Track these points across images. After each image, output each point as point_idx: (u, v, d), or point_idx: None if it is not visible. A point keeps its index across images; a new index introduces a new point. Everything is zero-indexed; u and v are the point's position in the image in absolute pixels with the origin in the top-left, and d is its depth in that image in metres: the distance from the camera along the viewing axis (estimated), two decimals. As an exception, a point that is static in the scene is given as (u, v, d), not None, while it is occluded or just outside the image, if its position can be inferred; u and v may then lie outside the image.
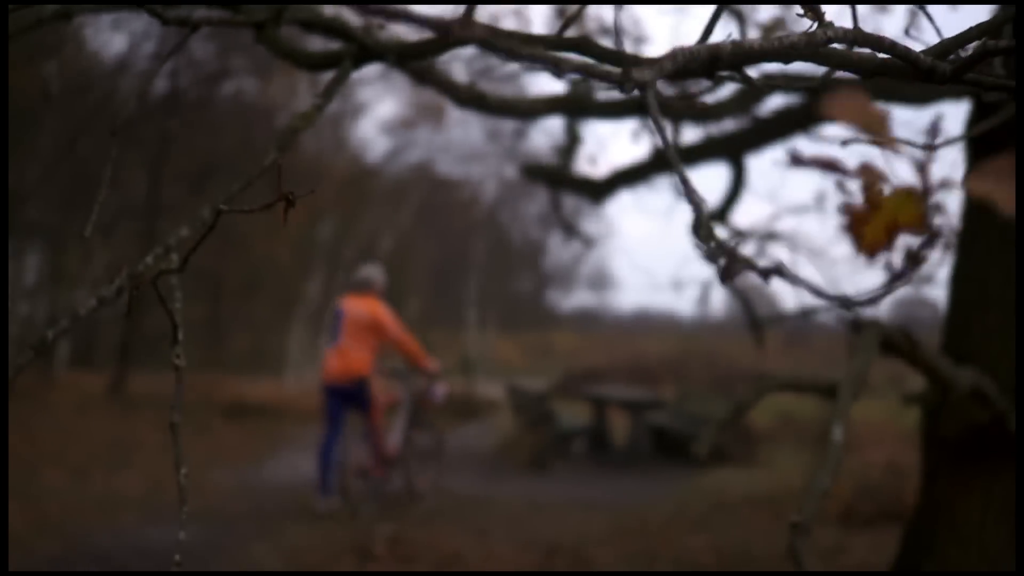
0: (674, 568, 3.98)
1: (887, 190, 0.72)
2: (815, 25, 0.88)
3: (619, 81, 0.74)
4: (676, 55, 0.76)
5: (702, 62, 0.82)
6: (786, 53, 0.85)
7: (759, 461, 6.91)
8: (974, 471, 3.00)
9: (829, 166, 0.70)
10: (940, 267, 4.05)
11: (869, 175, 0.72)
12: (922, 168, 0.71)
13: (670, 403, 8.38)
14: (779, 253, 4.49)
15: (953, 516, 3.04)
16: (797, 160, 0.70)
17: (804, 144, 4.35)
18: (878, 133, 0.72)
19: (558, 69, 0.78)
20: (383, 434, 5.28)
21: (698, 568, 3.98)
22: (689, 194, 0.67)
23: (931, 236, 0.68)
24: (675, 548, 4.30)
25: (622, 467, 7.07)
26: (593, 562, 4.06)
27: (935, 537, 3.07)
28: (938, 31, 1.11)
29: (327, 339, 5.45)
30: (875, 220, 0.68)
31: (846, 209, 0.75)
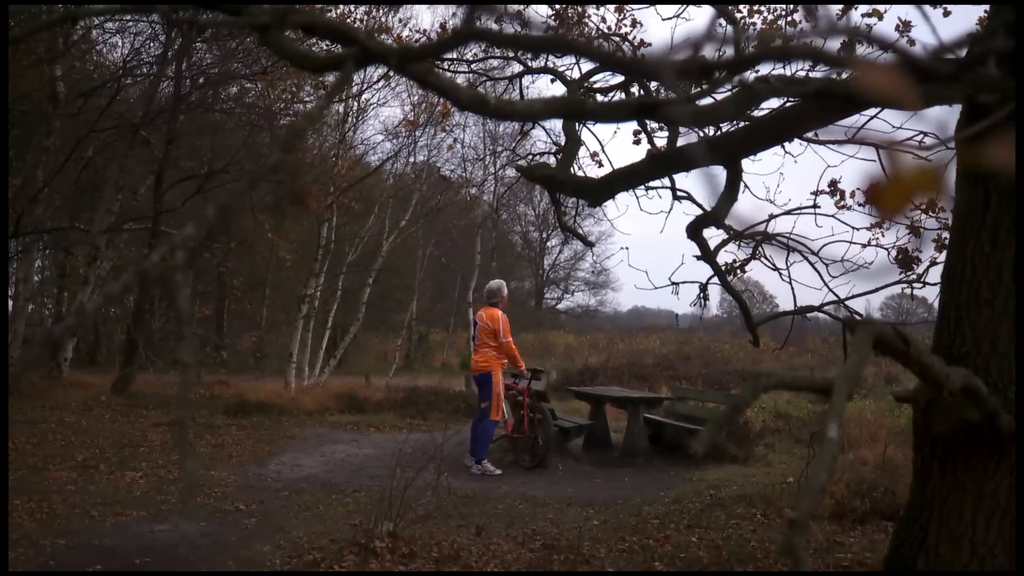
0: (671, 565, 4.02)
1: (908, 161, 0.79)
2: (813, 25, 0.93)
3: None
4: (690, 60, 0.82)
5: (705, 67, 0.87)
6: (785, 55, 0.90)
7: (755, 459, 6.95)
8: (966, 469, 3.04)
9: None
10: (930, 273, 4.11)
11: (893, 146, 0.80)
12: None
13: (667, 401, 8.43)
14: (774, 253, 4.53)
15: (945, 513, 3.07)
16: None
17: (797, 148, 4.40)
18: (907, 101, 0.78)
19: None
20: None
21: (695, 565, 4.01)
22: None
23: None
24: (672, 545, 4.33)
25: (619, 465, 7.11)
26: (591, 559, 4.10)
27: (927, 534, 3.10)
28: (934, 30, 1.16)
29: (472, 338, 7.56)
30: (896, 186, 0.75)
31: (871, 182, 0.83)
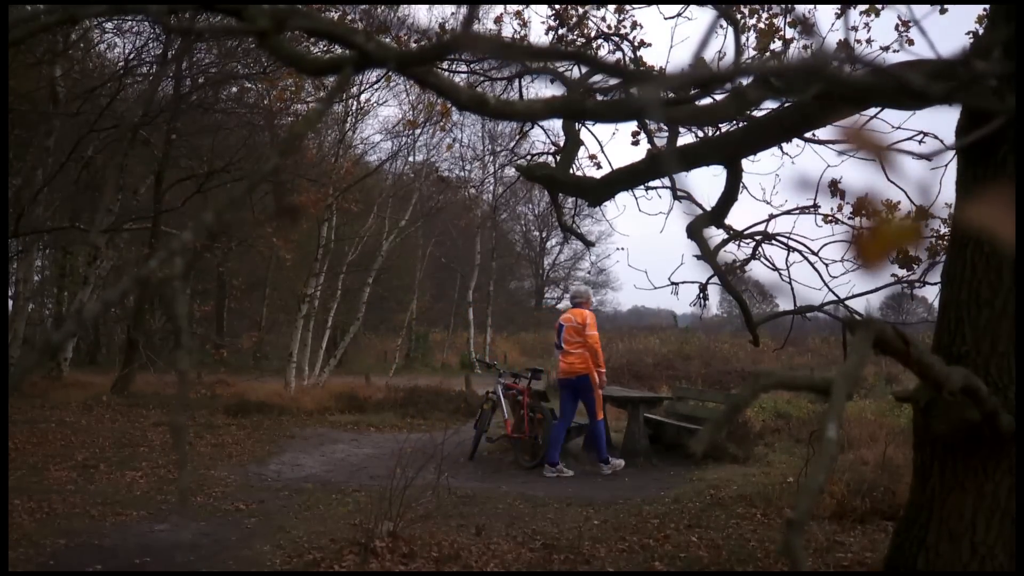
0: (671, 565, 4.02)
1: (890, 215, 0.80)
2: (808, 43, 0.94)
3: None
4: (673, 78, 0.82)
5: (700, 82, 0.87)
6: (780, 73, 0.90)
7: (755, 459, 6.95)
8: (966, 469, 3.04)
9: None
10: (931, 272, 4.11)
11: (874, 204, 0.81)
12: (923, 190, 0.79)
13: (667, 401, 8.43)
14: (774, 253, 4.54)
15: (945, 513, 3.07)
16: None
17: (795, 148, 4.39)
18: (880, 155, 0.78)
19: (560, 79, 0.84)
20: (599, 413, 6.89)
21: (695, 565, 4.01)
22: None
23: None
24: (672, 545, 4.33)
25: (620, 465, 7.11)
26: (591, 558, 4.11)
27: (927, 534, 3.10)
28: (931, 44, 1.15)
29: (557, 347, 7.11)
30: (878, 240, 0.75)
31: (853, 234, 0.85)
